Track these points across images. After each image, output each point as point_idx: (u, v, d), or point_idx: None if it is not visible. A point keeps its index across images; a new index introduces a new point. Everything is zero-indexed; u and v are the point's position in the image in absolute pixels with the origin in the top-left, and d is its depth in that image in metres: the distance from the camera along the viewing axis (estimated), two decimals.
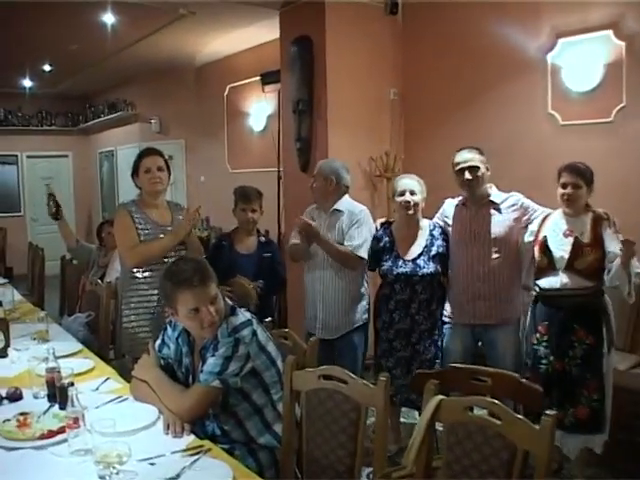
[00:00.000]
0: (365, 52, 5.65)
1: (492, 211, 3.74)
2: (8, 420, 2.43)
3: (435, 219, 4.00)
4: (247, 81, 8.13)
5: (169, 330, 2.80)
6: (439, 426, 2.27)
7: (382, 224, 4.07)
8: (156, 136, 10.04)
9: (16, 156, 12.18)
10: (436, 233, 3.89)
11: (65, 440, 2.24)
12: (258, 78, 7.62)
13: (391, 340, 3.89)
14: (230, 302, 2.68)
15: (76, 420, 2.18)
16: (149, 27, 7.12)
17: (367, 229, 4.01)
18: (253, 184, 4.59)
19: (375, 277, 4.22)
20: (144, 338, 3.54)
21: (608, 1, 4.38)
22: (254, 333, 2.54)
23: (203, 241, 7.00)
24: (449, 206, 3.95)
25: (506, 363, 3.56)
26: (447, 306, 3.90)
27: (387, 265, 3.89)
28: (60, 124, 12.54)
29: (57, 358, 2.78)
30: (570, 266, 3.40)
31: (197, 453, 2.21)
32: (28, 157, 12.29)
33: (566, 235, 3.46)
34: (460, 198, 3.87)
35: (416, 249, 3.85)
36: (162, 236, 3.72)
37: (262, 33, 7.09)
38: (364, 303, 4.11)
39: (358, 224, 3.98)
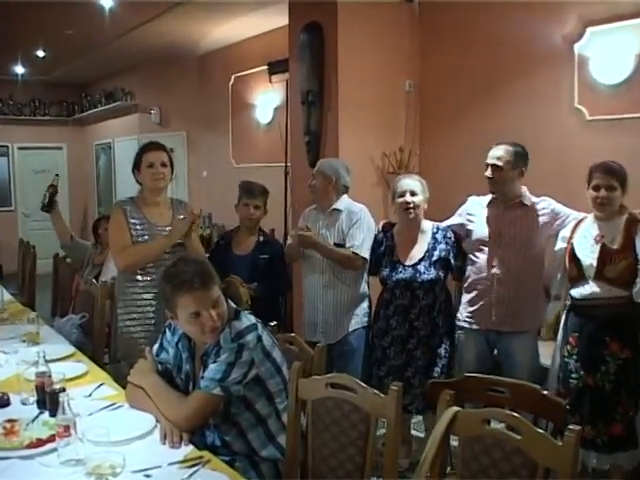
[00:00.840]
0: (379, 40, 5.62)
1: (521, 213, 3.74)
2: None
3: (456, 216, 4.00)
4: (253, 70, 8.14)
5: (168, 334, 2.80)
6: (454, 440, 2.26)
7: (384, 225, 4.11)
8: (156, 128, 10.07)
9: (7, 147, 12.23)
10: (439, 237, 3.88)
11: (55, 449, 2.23)
12: (265, 67, 7.62)
13: (385, 348, 3.91)
14: (234, 305, 2.68)
15: (67, 428, 2.18)
16: (150, 12, 7.11)
17: (367, 227, 4.07)
18: (259, 180, 4.62)
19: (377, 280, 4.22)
20: (140, 343, 3.55)
21: None
22: (259, 338, 2.53)
23: (205, 240, 7.01)
24: (473, 204, 3.95)
25: (523, 374, 3.54)
26: (462, 310, 3.90)
27: (386, 271, 3.92)
28: (54, 114, 12.57)
29: (48, 362, 2.79)
30: (600, 274, 3.35)
31: (196, 465, 2.20)
32: (20, 148, 12.33)
33: (597, 241, 3.40)
34: (489, 196, 3.86)
35: (417, 254, 3.86)
36: (158, 238, 3.72)
37: (270, 19, 7.10)
38: (365, 305, 4.15)
39: (358, 223, 4.05)
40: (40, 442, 2.33)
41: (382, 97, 5.68)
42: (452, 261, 3.87)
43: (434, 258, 3.83)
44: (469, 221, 3.92)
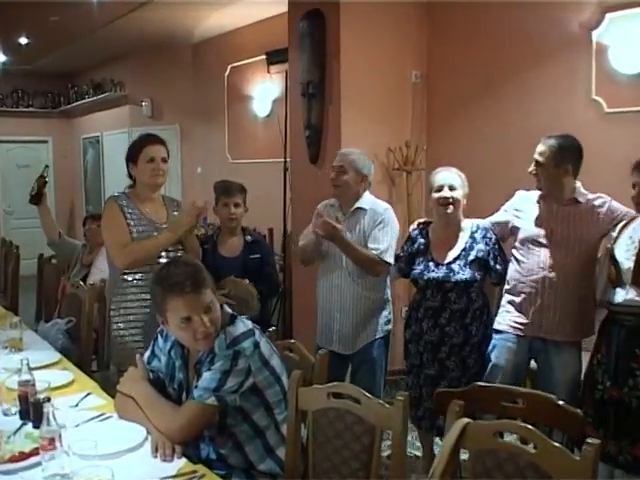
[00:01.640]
0: (384, 29, 5.62)
1: (574, 210, 3.63)
2: None
3: (501, 212, 3.91)
4: (251, 60, 8.15)
5: (160, 341, 2.79)
6: (464, 453, 2.25)
7: (419, 224, 4.03)
8: (147, 121, 10.08)
9: None
10: (478, 236, 3.80)
11: (39, 463, 2.23)
12: (263, 57, 7.64)
13: (421, 353, 3.84)
14: (229, 310, 2.68)
15: (52, 441, 2.16)
16: None
17: (392, 230, 3.99)
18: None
19: (403, 283, 4.18)
20: (135, 348, 3.53)
21: None
22: (256, 345, 2.53)
23: (199, 239, 6.99)
24: (521, 199, 3.85)
25: (561, 389, 3.43)
26: (505, 314, 3.77)
27: (418, 269, 3.85)
28: (38, 105, 12.58)
29: (31, 370, 2.78)
30: (637, 279, 3.27)
31: (190, 479, 2.20)
32: (1, 142, 12.33)
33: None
34: (538, 192, 3.76)
35: (453, 252, 3.80)
36: (156, 234, 3.71)
37: (268, 6, 7.10)
38: (386, 312, 4.09)
39: (382, 225, 3.96)
40: (23, 455, 2.32)
41: (387, 89, 5.68)
42: (491, 263, 3.78)
43: (470, 258, 3.74)
44: (516, 217, 3.81)
